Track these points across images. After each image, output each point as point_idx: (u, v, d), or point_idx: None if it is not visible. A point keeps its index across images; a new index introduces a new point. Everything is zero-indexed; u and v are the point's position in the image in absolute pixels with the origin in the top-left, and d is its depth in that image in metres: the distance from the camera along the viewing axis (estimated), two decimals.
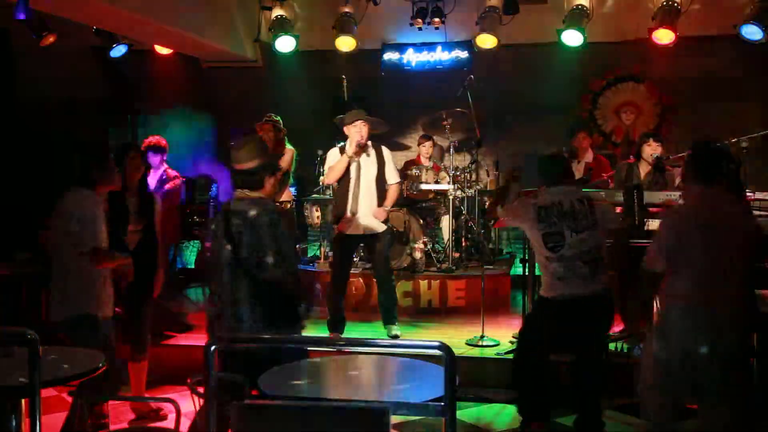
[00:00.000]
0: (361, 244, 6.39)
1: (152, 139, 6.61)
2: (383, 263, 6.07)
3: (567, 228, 4.26)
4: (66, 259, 4.10)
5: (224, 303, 3.58)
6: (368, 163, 5.93)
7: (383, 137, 7.68)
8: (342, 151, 5.96)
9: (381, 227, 5.96)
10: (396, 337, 6.02)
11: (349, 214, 5.88)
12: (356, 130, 5.81)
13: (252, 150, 3.65)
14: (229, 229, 3.52)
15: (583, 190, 6.56)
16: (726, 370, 3.56)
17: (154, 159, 6.54)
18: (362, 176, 5.90)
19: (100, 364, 3.26)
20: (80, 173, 4.15)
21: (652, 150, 6.17)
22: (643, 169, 6.08)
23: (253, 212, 3.53)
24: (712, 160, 3.71)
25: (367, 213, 5.89)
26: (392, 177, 6.01)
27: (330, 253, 7.02)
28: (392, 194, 6.04)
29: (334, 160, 5.98)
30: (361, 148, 5.81)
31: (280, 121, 7.18)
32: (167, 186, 6.70)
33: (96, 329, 4.08)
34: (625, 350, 5.53)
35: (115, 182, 4.35)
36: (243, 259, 3.50)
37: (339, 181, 5.94)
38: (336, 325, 6.02)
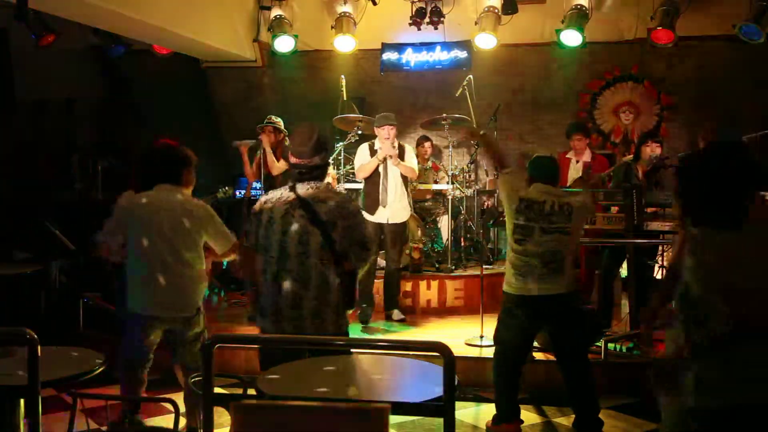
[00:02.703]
0: (382, 236, 6.69)
1: (165, 142, 6.64)
2: (398, 252, 6.72)
3: (539, 226, 4.33)
4: (188, 256, 4.16)
5: (307, 291, 3.61)
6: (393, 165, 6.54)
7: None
8: (371, 147, 6.65)
9: (404, 217, 6.71)
10: (402, 320, 6.73)
11: (380, 204, 6.54)
12: (384, 133, 6.45)
13: (317, 145, 3.71)
14: (317, 216, 3.58)
15: (583, 190, 6.62)
16: None
17: None
18: (389, 171, 6.56)
19: (99, 365, 3.27)
20: (175, 174, 4.24)
21: (651, 151, 6.19)
22: (641, 169, 6.10)
23: (339, 198, 3.66)
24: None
25: (396, 205, 6.58)
26: (412, 164, 6.67)
27: None
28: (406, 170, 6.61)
29: (364, 157, 6.66)
30: (389, 155, 6.49)
31: (281, 122, 7.21)
32: None
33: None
34: (625, 351, 5.54)
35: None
36: (334, 244, 3.59)
37: (369, 176, 6.61)
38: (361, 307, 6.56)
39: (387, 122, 6.47)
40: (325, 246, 3.59)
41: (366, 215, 6.17)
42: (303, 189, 3.67)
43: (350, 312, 3.76)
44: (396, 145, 6.55)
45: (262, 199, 3.81)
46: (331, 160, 7.13)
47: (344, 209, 3.64)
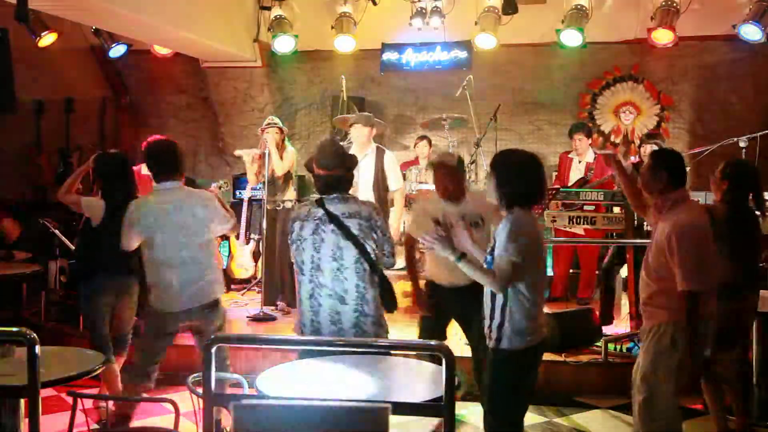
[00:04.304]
0: None
1: (159, 138, 6.64)
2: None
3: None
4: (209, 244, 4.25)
5: (345, 305, 3.66)
6: (366, 166, 5.99)
7: (383, 137, 7.70)
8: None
9: None
10: None
11: None
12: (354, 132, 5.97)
13: (339, 156, 3.75)
14: (348, 230, 3.61)
15: (584, 190, 6.64)
16: None
17: None
18: (360, 179, 5.92)
19: (99, 365, 3.27)
20: (179, 167, 4.28)
21: (649, 151, 6.24)
22: None
23: (367, 209, 3.71)
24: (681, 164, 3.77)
25: None
26: (394, 183, 6.00)
27: None
28: (398, 203, 6.11)
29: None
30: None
31: (279, 122, 7.21)
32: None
33: None
34: (625, 351, 5.54)
35: None
36: (369, 256, 3.65)
37: None
38: None
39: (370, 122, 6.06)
40: (360, 259, 3.63)
41: None
42: (330, 203, 3.68)
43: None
44: (374, 147, 6.14)
45: (292, 215, 3.86)
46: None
47: (373, 219, 3.69)
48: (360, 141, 5.99)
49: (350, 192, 3.82)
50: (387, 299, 3.75)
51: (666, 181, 3.57)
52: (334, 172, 3.69)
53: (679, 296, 3.39)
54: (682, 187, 3.62)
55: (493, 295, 3.35)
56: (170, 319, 4.12)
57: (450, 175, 4.38)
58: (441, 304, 4.53)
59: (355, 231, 3.62)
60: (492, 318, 3.37)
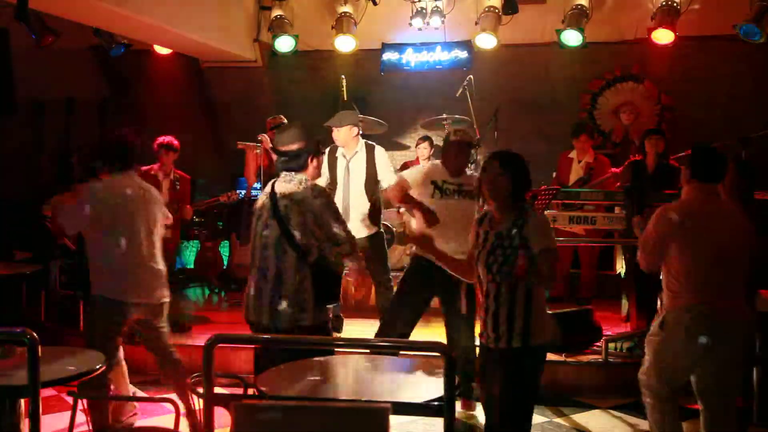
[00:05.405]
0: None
1: (165, 139, 6.67)
2: (378, 268, 5.82)
3: None
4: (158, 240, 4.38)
5: (266, 282, 3.67)
6: (356, 166, 5.78)
7: (383, 137, 7.69)
8: (332, 153, 5.82)
9: (367, 232, 5.73)
10: None
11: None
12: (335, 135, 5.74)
13: (295, 132, 3.78)
14: (276, 209, 3.64)
15: (584, 190, 6.65)
16: (723, 370, 3.59)
17: (166, 158, 6.61)
18: (351, 180, 5.75)
19: (99, 365, 3.27)
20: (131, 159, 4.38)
21: (652, 145, 6.27)
22: (651, 165, 6.20)
23: (302, 193, 3.66)
24: (710, 159, 3.75)
25: (356, 217, 5.68)
26: (385, 181, 5.72)
27: None
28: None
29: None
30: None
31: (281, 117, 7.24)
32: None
33: None
34: (625, 351, 5.54)
35: None
36: (293, 238, 3.61)
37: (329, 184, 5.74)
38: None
39: (348, 122, 5.71)
40: (282, 240, 3.62)
41: None
42: (279, 182, 3.75)
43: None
44: (362, 144, 5.82)
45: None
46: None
47: (303, 203, 3.65)
48: (342, 143, 5.72)
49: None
50: (319, 287, 3.66)
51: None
52: (286, 148, 3.76)
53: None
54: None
55: (512, 292, 3.26)
56: (123, 308, 4.18)
57: (465, 154, 4.90)
58: (425, 279, 4.60)
59: (280, 211, 3.64)
60: (511, 317, 3.26)
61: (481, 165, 3.37)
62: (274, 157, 6.91)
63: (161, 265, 4.31)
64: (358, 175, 5.75)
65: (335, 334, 5.76)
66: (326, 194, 3.82)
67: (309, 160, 3.80)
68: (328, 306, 3.78)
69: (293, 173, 3.75)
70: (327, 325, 3.82)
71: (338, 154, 5.82)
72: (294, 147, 3.75)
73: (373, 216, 5.78)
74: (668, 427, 3.76)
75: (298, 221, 3.62)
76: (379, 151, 5.82)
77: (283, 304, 3.62)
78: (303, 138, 3.79)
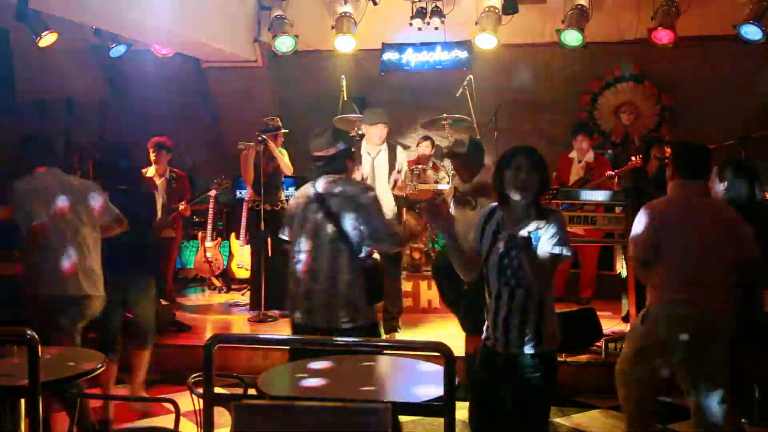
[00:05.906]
0: None
1: (159, 138, 6.68)
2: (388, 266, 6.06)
3: None
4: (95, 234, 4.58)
5: (317, 284, 3.65)
6: (381, 162, 6.20)
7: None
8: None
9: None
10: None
11: None
12: (377, 133, 6.10)
13: (330, 136, 3.75)
14: (328, 208, 3.61)
15: (584, 190, 6.65)
16: (707, 365, 3.57)
17: (161, 156, 6.62)
18: (377, 176, 6.15)
19: (99, 365, 3.26)
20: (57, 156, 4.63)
21: (656, 152, 6.32)
22: (652, 171, 6.22)
23: (353, 189, 3.68)
24: (692, 157, 3.76)
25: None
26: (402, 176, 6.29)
27: None
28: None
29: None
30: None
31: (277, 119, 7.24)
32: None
33: None
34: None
35: None
36: (347, 237, 3.60)
37: None
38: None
39: (380, 120, 6.11)
40: (336, 239, 3.60)
41: None
42: (321, 182, 3.71)
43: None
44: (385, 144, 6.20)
45: (293, 197, 3.93)
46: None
47: (354, 201, 3.64)
48: (378, 140, 6.10)
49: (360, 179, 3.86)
50: (369, 286, 3.66)
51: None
52: (325, 153, 3.73)
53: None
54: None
55: (527, 297, 3.18)
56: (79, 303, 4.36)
57: (460, 164, 5.21)
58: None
59: (333, 209, 3.62)
60: (524, 322, 3.18)
61: (505, 157, 3.20)
62: (278, 158, 6.99)
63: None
64: (383, 172, 6.16)
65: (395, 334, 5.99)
66: (374, 189, 3.91)
67: (347, 162, 3.81)
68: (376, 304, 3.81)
69: (334, 175, 3.74)
70: (377, 325, 3.86)
71: (363, 151, 6.17)
72: (331, 151, 3.73)
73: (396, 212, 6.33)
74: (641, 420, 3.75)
75: (351, 218, 3.62)
76: (400, 149, 6.31)
77: (337, 305, 3.62)
78: (338, 141, 3.78)
